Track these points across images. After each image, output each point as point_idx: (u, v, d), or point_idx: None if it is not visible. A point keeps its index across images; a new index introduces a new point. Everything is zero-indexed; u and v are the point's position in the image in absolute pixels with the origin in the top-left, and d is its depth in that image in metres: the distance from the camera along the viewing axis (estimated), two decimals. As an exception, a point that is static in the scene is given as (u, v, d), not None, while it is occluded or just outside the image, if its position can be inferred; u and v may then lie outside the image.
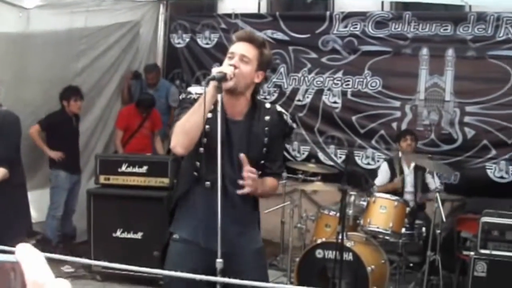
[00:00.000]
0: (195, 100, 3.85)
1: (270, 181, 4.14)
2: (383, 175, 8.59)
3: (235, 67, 3.87)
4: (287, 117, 4.17)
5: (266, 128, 4.04)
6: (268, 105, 4.17)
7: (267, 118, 4.06)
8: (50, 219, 8.83)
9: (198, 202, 4.01)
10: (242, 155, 3.86)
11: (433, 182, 8.25)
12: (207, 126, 3.83)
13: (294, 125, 4.34)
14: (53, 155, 8.75)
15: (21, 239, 6.67)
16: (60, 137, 8.79)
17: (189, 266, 3.75)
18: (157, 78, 10.23)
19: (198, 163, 3.95)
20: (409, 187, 8.44)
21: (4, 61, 7.82)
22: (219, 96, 3.73)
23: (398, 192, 8.20)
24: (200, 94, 3.81)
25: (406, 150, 8.50)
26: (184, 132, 3.82)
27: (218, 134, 3.72)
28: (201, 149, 3.90)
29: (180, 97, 4.27)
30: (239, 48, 3.97)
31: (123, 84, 10.16)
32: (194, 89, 4.02)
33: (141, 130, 9.70)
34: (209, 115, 3.81)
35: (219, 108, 3.73)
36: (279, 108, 4.19)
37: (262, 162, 4.07)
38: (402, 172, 8.48)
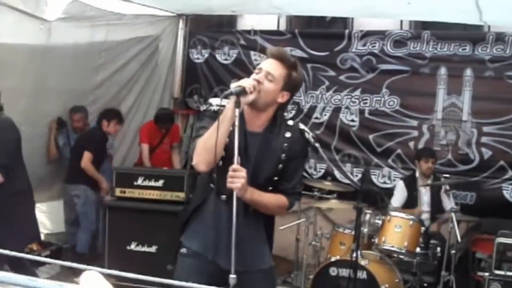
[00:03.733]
0: (215, 112, 3.82)
1: (275, 197, 4.00)
2: (399, 194, 8.54)
3: (258, 82, 3.82)
4: (309, 135, 4.06)
5: (285, 145, 3.96)
6: (291, 122, 4.09)
7: (287, 134, 3.99)
8: (82, 234, 8.85)
9: (211, 214, 3.97)
10: (234, 165, 3.70)
11: (448, 202, 8.23)
12: (227, 139, 3.77)
13: (317, 144, 4.24)
14: (104, 186, 8.85)
15: (21, 247, 6.68)
16: (98, 155, 8.91)
17: (196, 281, 3.60)
18: (83, 121, 9.19)
19: (215, 176, 3.88)
20: (425, 206, 8.41)
21: (25, 72, 7.87)
22: (237, 111, 3.66)
23: None
24: (221, 106, 3.79)
25: (426, 172, 8.47)
26: (205, 150, 3.75)
27: (235, 149, 3.66)
28: (220, 162, 3.83)
29: (201, 108, 4.24)
30: (267, 65, 3.92)
31: (48, 136, 8.96)
32: (214, 101, 3.96)
33: (162, 146, 9.75)
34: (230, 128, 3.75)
35: (236, 123, 3.66)
36: (301, 126, 4.10)
37: (276, 178, 3.99)
38: (417, 192, 8.45)
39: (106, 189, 8.78)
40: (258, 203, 3.92)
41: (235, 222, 3.60)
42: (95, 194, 8.92)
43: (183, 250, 4.09)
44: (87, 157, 8.64)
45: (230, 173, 3.68)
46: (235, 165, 3.68)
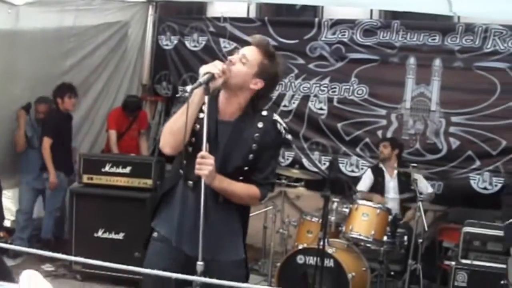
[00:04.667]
0: (187, 99, 3.81)
1: (246, 186, 3.96)
2: (366, 181, 8.62)
3: (231, 62, 3.84)
4: (281, 126, 3.99)
5: (257, 135, 3.92)
6: (265, 113, 4.01)
7: (260, 125, 3.94)
8: (48, 219, 8.75)
9: (179, 200, 3.95)
10: (202, 152, 3.67)
11: (425, 187, 8.29)
12: (197, 126, 3.78)
13: (289, 136, 4.18)
14: (52, 178, 8.56)
15: None
16: (59, 137, 8.69)
17: (162, 266, 3.63)
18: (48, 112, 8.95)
19: (185, 162, 3.89)
20: (391, 193, 8.46)
21: (-8, 57, 7.79)
22: (206, 98, 3.65)
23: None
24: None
25: (383, 154, 8.54)
26: (171, 133, 3.79)
27: (203, 136, 3.65)
28: (190, 148, 3.82)
29: (177, 95, 4.24)
30: (245, 49, 3.93)
31: (18, 125, 8.73)
32: (189, 88, 3.82)
33: (129, 132, 9.64)
34: (201, 115, 3.74)
35: (205, 110, 3.65)
36: (275, 117, 4.02)
37: (246, 168, 3.95)
38: (383, 179, 8.50)
39: (53, 184, 8.61)
40: (228, 192, 3.89)
41: (202, 209, 3.57)
42: (67, 179, 8.81)
43: (155, 234, 4.08)
44: (45, 142, 8.49)
45: (198, 159, 3.66)
46: (203, 152, 3.66)
